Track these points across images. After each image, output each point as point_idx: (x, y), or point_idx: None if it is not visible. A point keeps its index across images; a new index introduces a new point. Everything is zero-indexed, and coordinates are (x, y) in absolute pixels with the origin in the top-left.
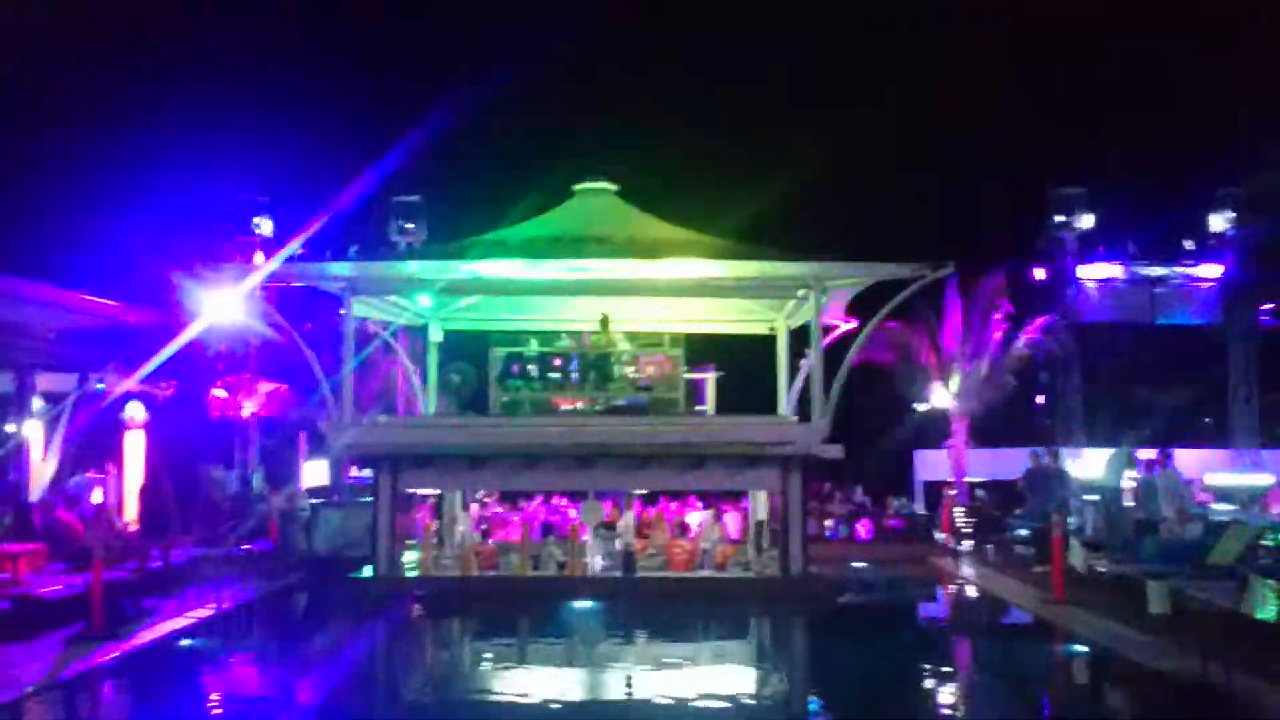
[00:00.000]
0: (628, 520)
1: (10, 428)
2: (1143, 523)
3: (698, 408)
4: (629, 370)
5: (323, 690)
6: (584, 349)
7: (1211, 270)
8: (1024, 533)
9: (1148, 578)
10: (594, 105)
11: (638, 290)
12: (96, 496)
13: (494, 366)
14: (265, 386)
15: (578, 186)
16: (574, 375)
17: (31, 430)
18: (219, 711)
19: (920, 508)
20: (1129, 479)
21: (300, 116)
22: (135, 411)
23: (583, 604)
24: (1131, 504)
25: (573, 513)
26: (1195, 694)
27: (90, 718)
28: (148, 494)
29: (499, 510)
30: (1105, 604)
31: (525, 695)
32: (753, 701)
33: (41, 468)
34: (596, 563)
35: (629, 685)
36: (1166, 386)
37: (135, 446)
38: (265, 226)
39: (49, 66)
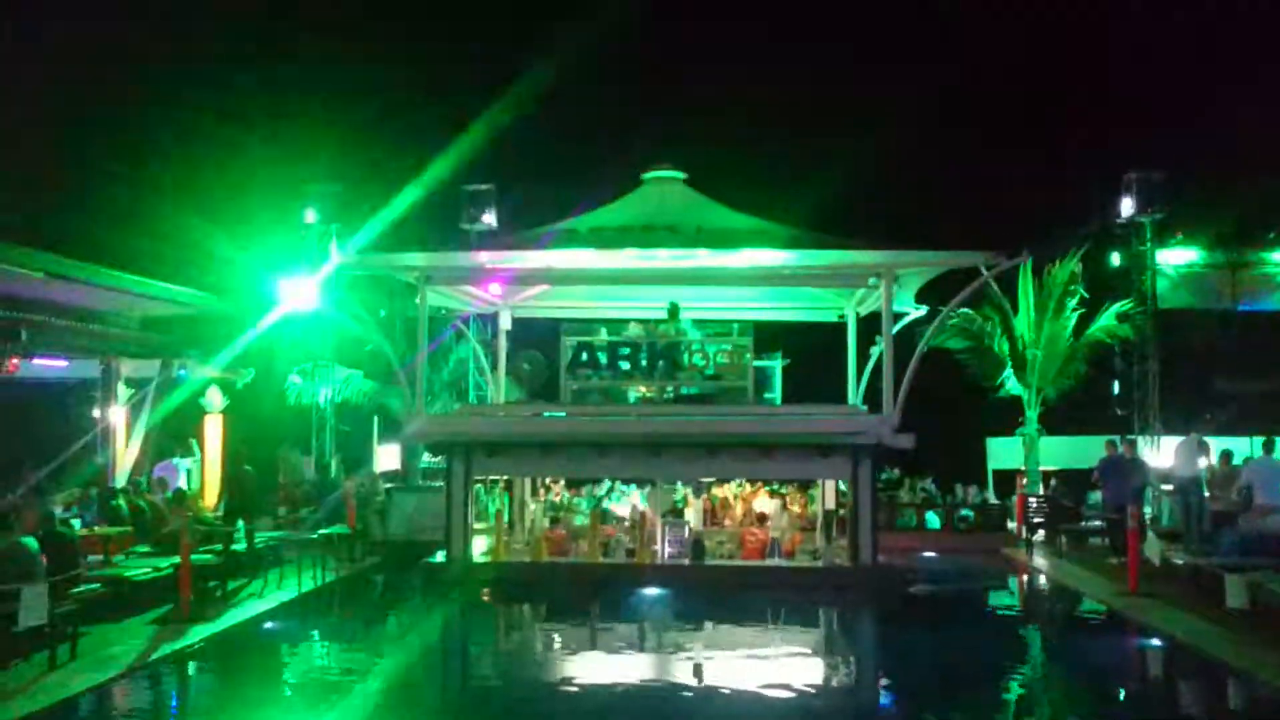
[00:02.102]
0: (697, 508)
1: (96, 413)
2: (1221, 514)
3: (766, 396)
4: (698, 359)
5: (401, 670)
6: (653, 337)
7: None
8: (1098, 523)
9: (1226, 571)
10: (663, 95)
11: (707, 279)
12: (181, 481)
13: (564, 355)
14: (340, 372)
15: (647, 175)
16: (643, 363)
17: (116, 416)
18: (305, 690)
19: (992, 497)
20: (1205, 468)
21: (376, 106)
22: (215, 397)
23: (652, 590)
24: (1208, 494)
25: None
26: (1274, 691)
27: (184, 697)
28: (230, 478)
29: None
30: (1182, 597)
31: (593, 677)
32: (823, 690)
33: (125, 452)
34: (665, 550)
35: (697, 672)
36: (1247, 375)
37: (215, 431)
38: (341, 215)
39: (128, 55)
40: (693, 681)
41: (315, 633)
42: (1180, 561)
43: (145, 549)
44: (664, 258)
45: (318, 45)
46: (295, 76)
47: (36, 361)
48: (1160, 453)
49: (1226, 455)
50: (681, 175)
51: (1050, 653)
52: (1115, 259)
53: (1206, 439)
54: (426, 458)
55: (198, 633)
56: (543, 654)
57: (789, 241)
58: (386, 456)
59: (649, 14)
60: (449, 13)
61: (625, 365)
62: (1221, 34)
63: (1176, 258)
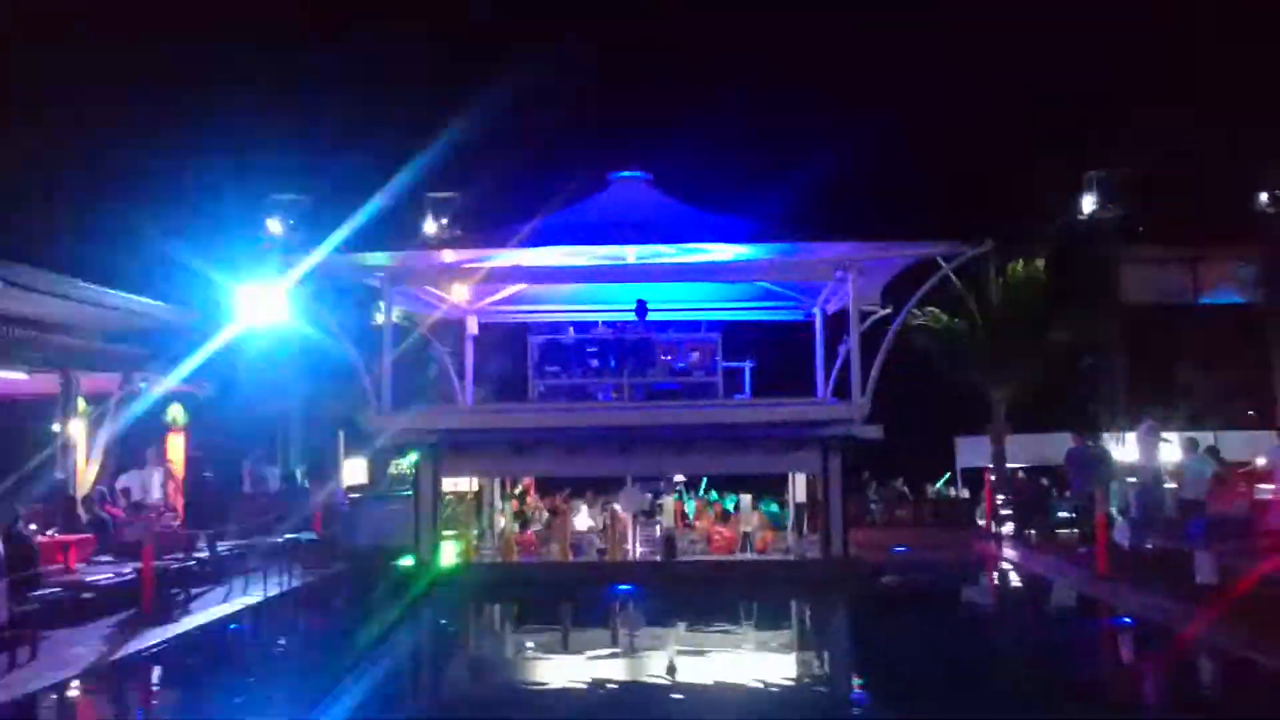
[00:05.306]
0: (668, 506)
1: (55, 427)
2: (1188, 501)
3: (736, 397)
4: (667, 357)
5: (364, 672)
6: (621, 335)
7: (1254, 248)
8: (1067, 514)
9: (1195, 551)
10: (627, 93)
11: (675, 274)
12: (141, 493)
13: (531, 354)
14: (304, 383)
15: (613, 175)
16: (612, 362)
17: (76, 430)
18: (264, 688)
19: (963, 493)
20: (1168, 459)
21: (336, 114)
22: (176, 414)
23: (624, 589)
24: (1173, 485)
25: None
26: (1239, 661)
27: (144, 695)
28: (191, 487)
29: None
30: (1151, 578)
31: (562, 679)
32: (796, 682)
33: (86, 467)
34: (637, 548)
35: (671, 670)
36: (1210, 368)
37: (177, 446)
38: (301, 225)
39: (92, 65)
40: (666, 678)
41: (278, 634)
42: (1150, 546)
43: (108, 558)
44: (632, 255)
45: (279, 53)
46: (258, 85)
47: None
48: (1127, 446)
49: (1191, 442)
50: (647, 175)
51: (1021, 637)
52: (1079, 256)
53: (1160, 430)
54: (393, 468)
55: (159, 634)
56: (500, 654)
57: (756, 236)
58: (353, 469)
59: (611, 14)
60: (411, 17)
61: (594, 364)
62: (1179, 33)
63: (1139, 253)
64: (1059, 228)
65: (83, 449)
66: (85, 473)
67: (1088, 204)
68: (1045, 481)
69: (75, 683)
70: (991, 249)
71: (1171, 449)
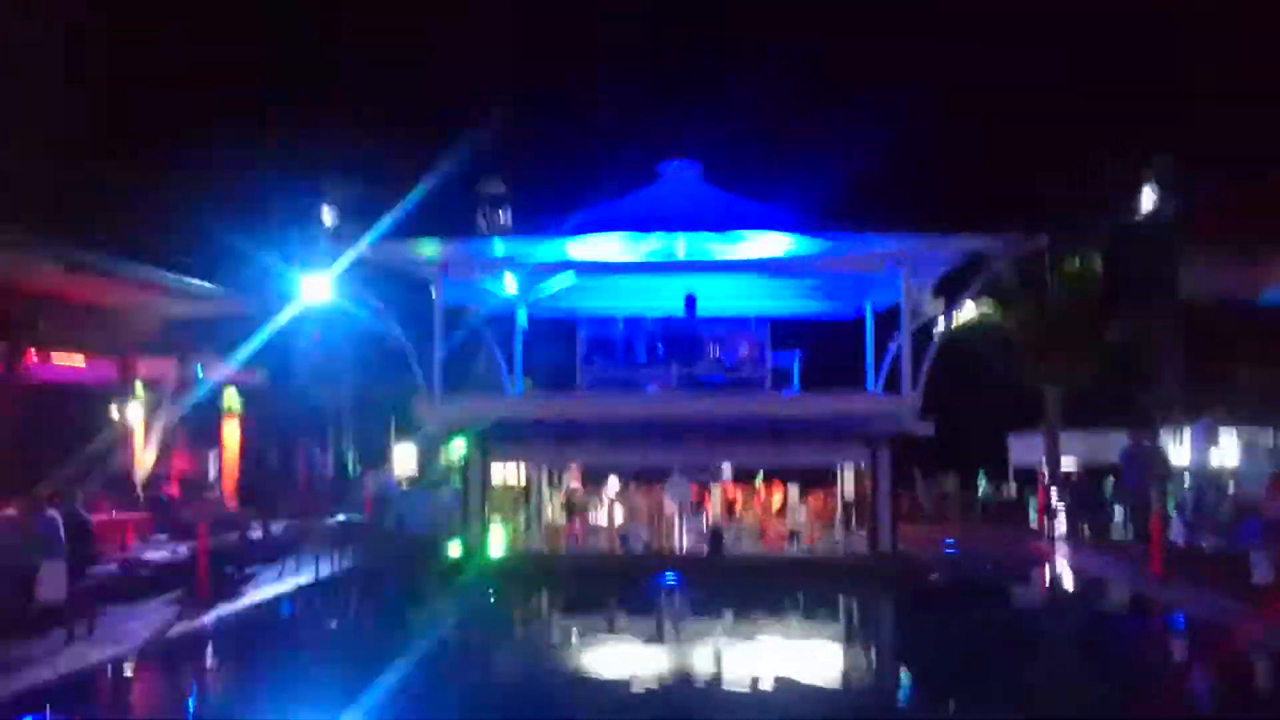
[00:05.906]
0: (715, 498)
1: (114, 412)
2: (1244, 503)
3: (784, 392)
4: (715, 350)
5: (414, 654)
6: (670, 329)
7: None
8: (1121, 512)
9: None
10: (677, 86)
11: (726, 268)
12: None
13: (580, 346)
14: (356, 371)
15: (663, 167)
16: (660, 355)
17: (134, 414)
18: (314, 667)
19: (1013, 490)
20: (1225, 458)
21: (390, 107)
22: (232, 401)
23: (669, 580)
24: (1230, 485)
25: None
26: None
27: (198, 672)
28: (248, 470)
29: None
30: (1206, 577)
31: (605, 666)
32: (844, 677)
33: (144, 449)
34: (684, 541)
35: (717, 661)
36: (1270, 367)
37: (233, 432)
38: (354, 216)
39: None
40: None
41: (331, 615)
42: (1205, 545)
43: (164, 537)
44: (682, 248)
45: (331, 47)
46: (312, 78)
47: (55, 363)
48: (1184, 444)
49: (1250, 443)
50: (698, 167)
51: (1072, 636)
52: (1136, 251)
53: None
54: (442, 457)
55: (214, 613)
56: (546, 641)
57: (807, 229)
58: (403, 456)
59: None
60: (461, 12)
61: (642, 356)
62: (1243, 27)
63: (1197, 249)
64: (1116, 223)
65: (140, 432)
66: (143, 456)
67: (1146, 199)
68: (1111, 479)
69: (132, 659)
70: (1046, 244)
71: (1229, 449)
